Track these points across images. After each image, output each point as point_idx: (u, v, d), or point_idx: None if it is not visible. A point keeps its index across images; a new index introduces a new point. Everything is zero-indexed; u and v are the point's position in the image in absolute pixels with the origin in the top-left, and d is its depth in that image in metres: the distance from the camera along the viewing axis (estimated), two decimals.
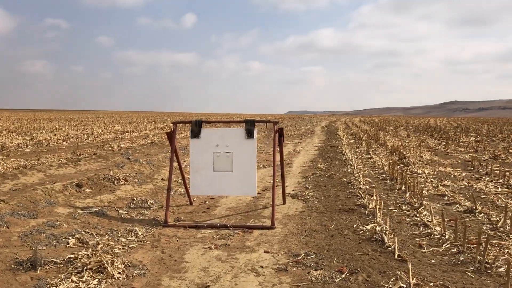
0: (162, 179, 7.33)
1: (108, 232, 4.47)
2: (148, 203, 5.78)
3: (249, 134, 5.06)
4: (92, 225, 4.68)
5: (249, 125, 5.06)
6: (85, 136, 18.04)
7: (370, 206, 5.33)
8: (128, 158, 8.41)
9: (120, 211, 5.30)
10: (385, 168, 8.60)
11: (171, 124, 5.59)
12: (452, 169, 8.68)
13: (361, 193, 6.08)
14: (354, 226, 4.61)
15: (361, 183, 6.97)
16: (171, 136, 5.25)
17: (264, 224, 4.87)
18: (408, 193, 6.09)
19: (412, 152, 11.36)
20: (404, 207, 5.40)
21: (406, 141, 16.04)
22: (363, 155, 11.04)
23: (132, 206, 5.61)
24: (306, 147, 14.81)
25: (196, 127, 5.15)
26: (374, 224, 4.49)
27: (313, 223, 4.84)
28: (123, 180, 6.58)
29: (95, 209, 5.17)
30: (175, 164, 5.54)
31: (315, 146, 15.16)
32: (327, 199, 6.06)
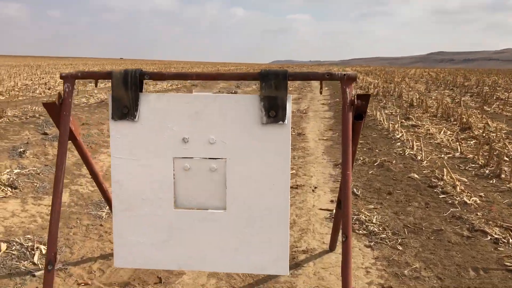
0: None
1: None
2: (36, 255, 2.58)
3: (272, 111, 1.82)
4: None
5: (273, 88, 1.81)
6: (35, 87, 14.53)
7: None
8: (45, 133, 5.05)
9: None
10: (457, 147, 5.47)
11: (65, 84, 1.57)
12: None
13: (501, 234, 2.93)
14: None
15: (457, 188, 3.84)
16: (58, 109, 1.94)
17: None
18: None
19: (462, 115, 8.22)
20: None
21: (432, 97, 12.91)
22: (403, 121, 7.87)
23: None
24: (312, 105, 11.59)
25: (127, 92, 1.88)
26: None
27: None
28: (7, 189, 3.33)
29: None
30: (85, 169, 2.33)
31: (323, 104, 11.94)
32: (419, 237, 2.93)
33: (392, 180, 4.27)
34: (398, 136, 6.23)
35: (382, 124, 7.36)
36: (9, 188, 3.36)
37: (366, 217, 3.29)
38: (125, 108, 1.88)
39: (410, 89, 16.15)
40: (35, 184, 3.59)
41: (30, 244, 2.67)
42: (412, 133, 6.61)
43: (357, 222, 3.21)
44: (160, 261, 1.97)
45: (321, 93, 1.84)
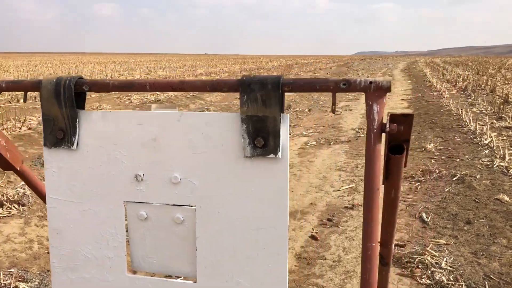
0: None
1: None
2: None
3: (258, 138, 1.19)
4: None
5: (260, 103, 1.18)
6: None
7: None
8: None
9: None
10: None
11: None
12: None
13: None
14: None
15: None
16: None
17: None
18: None
19: None
20: None
21: None
22: (494, 121, 6.74)
23: None
24: (391, 101, 10.59)
25: (61, 109, 1.34)
26: None
27: None
28: (13, 206, 2.98)
29: None
30: None
31: (402, 99, 10.88)
32: None
33: (474, 202, 3.41)
34: (486, 142, 5.22)
35: (468, 125, 6.32)
36: (16, 205, 3.02)
37: (432, 258, 2.52)
38: (60, 131, 1.34)
39: (506, 82, 14.39)
40: None
41: (8, 281, 2.26)
42: (504, 138, 5.55)
43: (419, 265, 2.46)
44: None
45: (333, 111, 1.17)
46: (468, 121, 6.51)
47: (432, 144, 5.33)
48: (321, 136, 6.45)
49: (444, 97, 10.08)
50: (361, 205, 3.53)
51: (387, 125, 1.10)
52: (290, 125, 7.14)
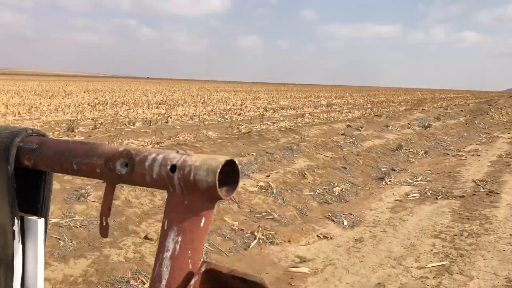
0: None
1: None
2: None
3: None
4: None
5: None
6: (224, 112, 14.91)
7: None
8: None
9: None
10: None
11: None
12: None
13: None
14: None
15: None
16: None
17: None
18: None
19: None
20: None
21: None
22: None
23: None
24: None
25: None
26: None
27: None
28: None
29: None
30: None
31: None
32: None
33: None
34: None
35: None
36: None
37: None
38: None
39: None
40: (60, 241, 2.83)
41: None
42: None
43: None
44: None
45: (103, 233, 0.46)
46: None
47: None
48: (429, 186, 5.35)
49: None
50: None
51: None
52: (393, 170, 6.11)
